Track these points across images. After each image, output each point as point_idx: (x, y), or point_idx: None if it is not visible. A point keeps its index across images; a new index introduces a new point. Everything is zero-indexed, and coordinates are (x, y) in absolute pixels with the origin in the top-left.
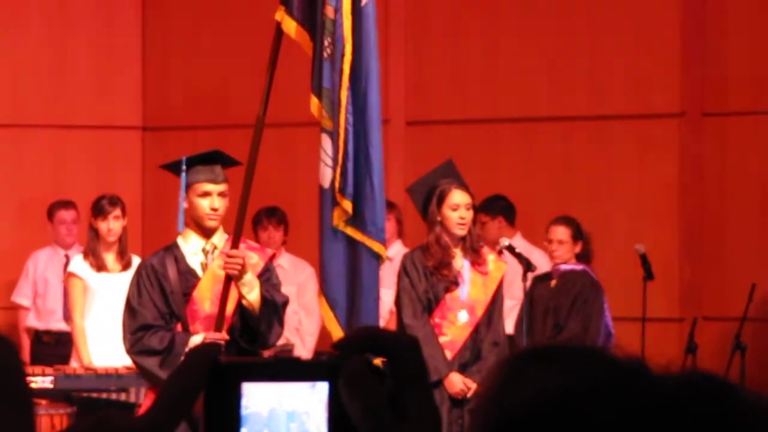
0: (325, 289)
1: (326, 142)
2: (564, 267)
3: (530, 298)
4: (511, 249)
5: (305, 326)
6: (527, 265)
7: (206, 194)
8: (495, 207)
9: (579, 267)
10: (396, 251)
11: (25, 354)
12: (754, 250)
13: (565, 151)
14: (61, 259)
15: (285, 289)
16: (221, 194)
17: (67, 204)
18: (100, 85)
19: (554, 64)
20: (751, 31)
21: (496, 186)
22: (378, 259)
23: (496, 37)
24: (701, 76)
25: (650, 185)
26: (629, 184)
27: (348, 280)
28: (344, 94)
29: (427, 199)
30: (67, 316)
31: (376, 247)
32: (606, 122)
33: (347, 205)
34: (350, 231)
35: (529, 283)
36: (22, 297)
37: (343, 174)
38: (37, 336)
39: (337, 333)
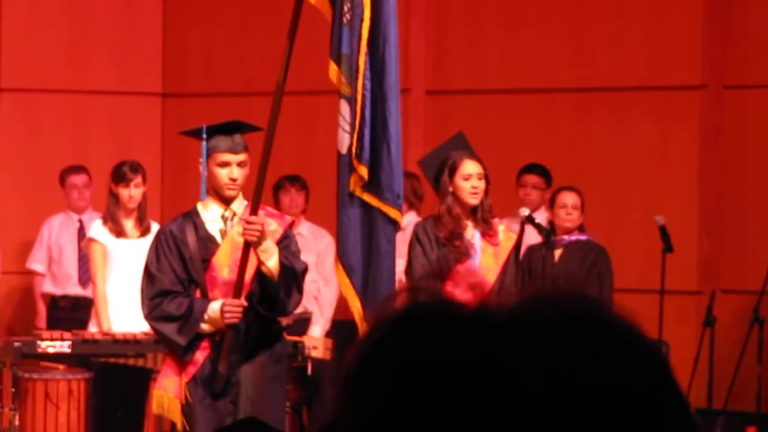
0: (341, 256)
1: (344, 108)
2: (567, 237)
3: (529, 269)
4: (531, 220)
5: (324, 295)
6: (547, 236)
7: (226, 164)
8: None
9: (584, 237)
10: (408, 221)
11: (42, 320)
12: None
13: (585, 122)
14: (75, 224)
15: (304, 257)
16: (240, 164)
17: (78, 169)
18: (121, 51)
19: (574, 35)
20: None
21: (514, 156)
22: (394, 225)
23: (516, 7)
24: (722, 49)
25: (670, 158)
26: (649, 156)
27: (364, 247)
28: (362, 59)
29: (439, 170)
30: (86, 280)
31: (392, 213)
32: (626, 94)
33: (363, 170)
34: (367, 197)
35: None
36: (36, 263)
37: (360, 140)
38: (54, 301)
39: (353, 299)
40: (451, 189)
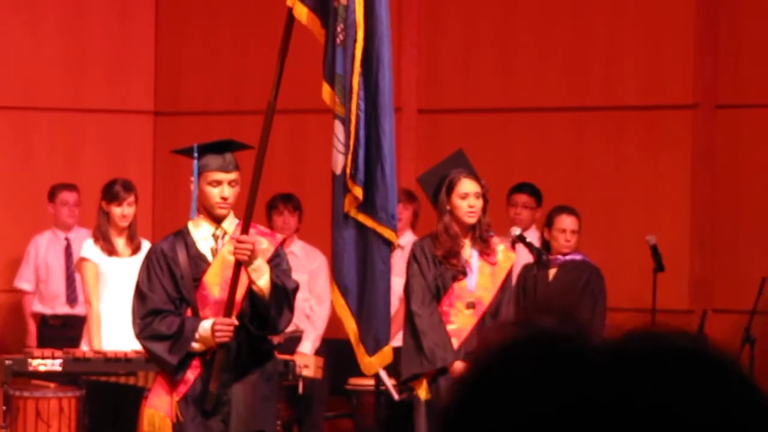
0: (336, 276)
1: (338, 129)
2: (562, 257)
3: (523, 288)
4: (522, 239)
5: (317, 313)
6: (539, 255)
7: (217, 183)
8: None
9: (578, 256)
10: (407, 240)
11: (32, 338)
12: (766, 243)
13: (578, 141)
14: (62, 243)
15: (296, 276)
16: (232, 183)
17: (70, 186)
18: (113, 69)
19: (568, 54)
20: (765, 23)
21: (507, 176)
22: (389, 245)
23: (510, 27)
24: (715, 68)
25: (663, 177)
26: (642, 175)
27: (359, 267)
28: (356, 80)
29: (437, 188)
30: (73, 300)
31: (387, 233)
32: (619, 113)
33: (358, 191)
34: (361, 217)
35: (517, 272)
36: (23, 282)
37: (355, 160)
38: (43, 319)
39: (348, 320)
40: (448, 207)
